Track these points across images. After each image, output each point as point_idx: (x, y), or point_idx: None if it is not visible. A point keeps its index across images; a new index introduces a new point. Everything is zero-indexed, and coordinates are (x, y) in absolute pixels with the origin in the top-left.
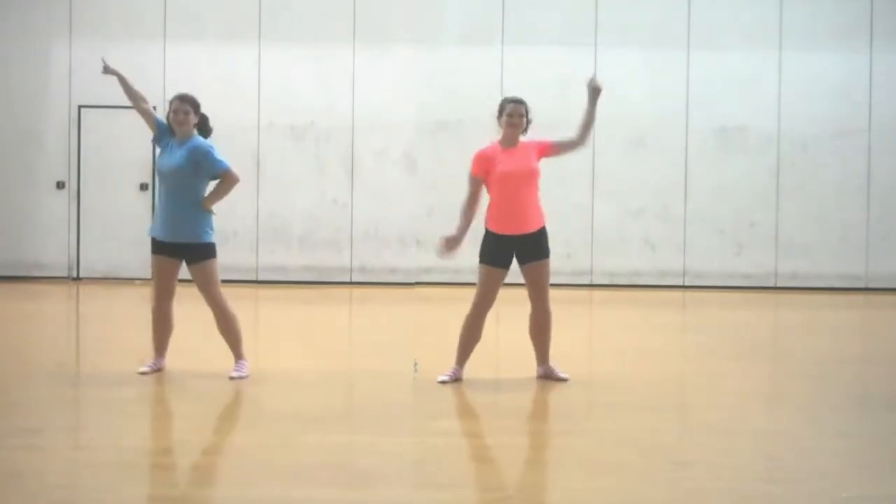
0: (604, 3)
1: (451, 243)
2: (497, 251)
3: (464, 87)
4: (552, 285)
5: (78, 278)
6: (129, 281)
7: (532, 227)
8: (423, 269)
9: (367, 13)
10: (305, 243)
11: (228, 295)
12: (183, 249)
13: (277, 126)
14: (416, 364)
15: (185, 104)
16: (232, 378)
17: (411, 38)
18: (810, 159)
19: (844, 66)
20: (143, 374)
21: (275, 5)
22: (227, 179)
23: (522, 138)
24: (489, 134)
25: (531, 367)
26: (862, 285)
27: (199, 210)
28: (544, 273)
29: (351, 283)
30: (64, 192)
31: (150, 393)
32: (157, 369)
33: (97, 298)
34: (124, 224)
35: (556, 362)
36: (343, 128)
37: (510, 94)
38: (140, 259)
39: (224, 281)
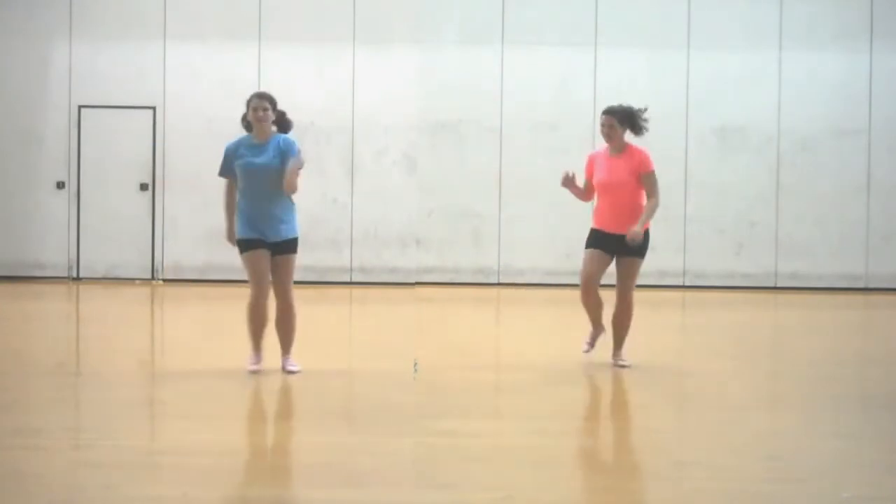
0: (604, 3)
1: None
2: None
3: (464, 87)
4: (554, 285)
5: (78, 278)
6: (129, 281)
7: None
8: (423, 269)
9: (367, 13)
10: (305, 243)
11: (228, 295)
12: (276, 245)
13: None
14: (415, 364)
15: (264, 101)
16: (290, 372)
17: (411, 38)
18: (810, 159)
19: (844, 66)
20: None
21: (275, 5)
22: (297, 161)
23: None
24: (489, 134)
25: (531, 368)
26: (862, 285)
27: (291, 206)
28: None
29: (351, 283)
30: (64, 192)
31: (150, 393)
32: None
33: (97, 298)
34: (124, 224)
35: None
36: (343, 128)
37: (510, 94)
38: (140, 259)
39: (224, 281)
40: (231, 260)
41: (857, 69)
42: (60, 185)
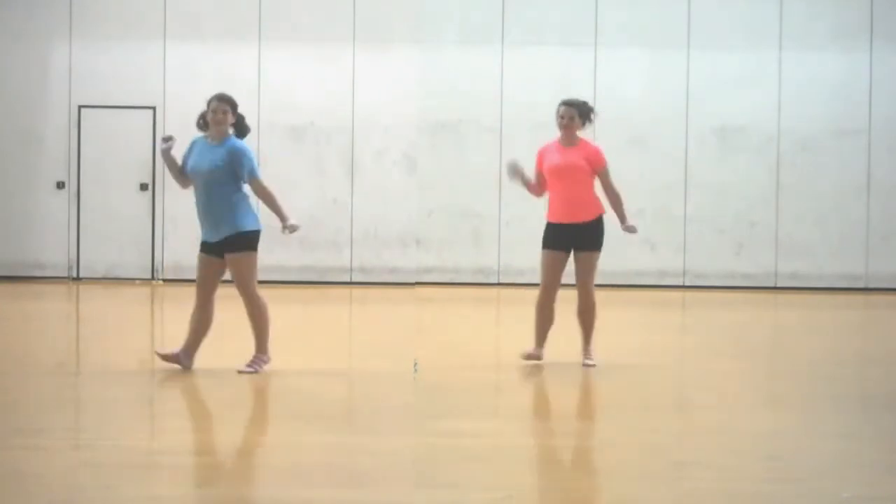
0: (604, 3)
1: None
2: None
3: (464, 87)
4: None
5: (78, 278)
6: (129, 281)
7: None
8: (423, 269)
9: (367, 13)
10: (305, 243)
11: (228, 295)
12: (224, 244)
13: (277, 126)
14: (415, 364)
15: (224, 104)
16: (241, 371)
17: (411, 38)
18: (810, 159)
19: (844, 66)
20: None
21: (275, 5)
22: (254, 188)
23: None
24: (489, 134)
25: (531, 368)
26: (862, 285)
27: (234, 206)
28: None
29: (351, 283)
30: (64, 192)
31: (150, 393)
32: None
33: (97, 298)
34: (124, 224)
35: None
36: (343, 128)
37: (510, 94)
38: (140, 259)
39: (224, 281)
40: None
41: (857, 69)
42: (60, 185)
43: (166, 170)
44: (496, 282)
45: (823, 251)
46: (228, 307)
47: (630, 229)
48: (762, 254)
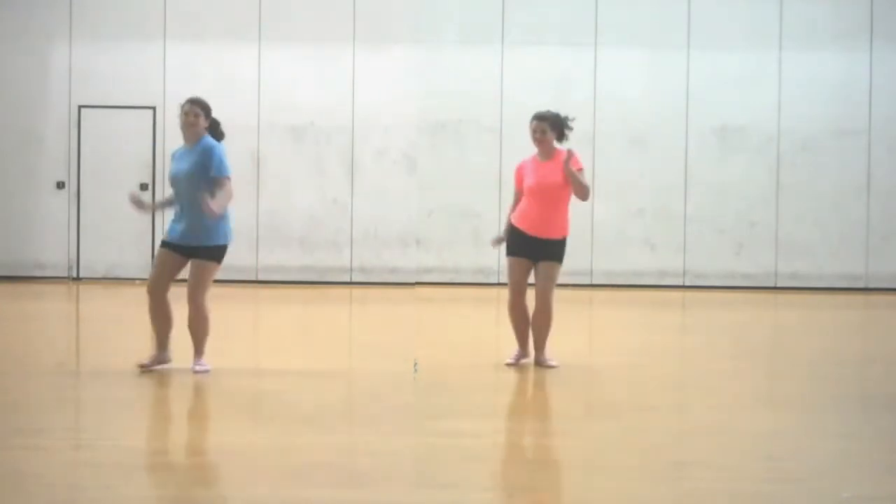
0: (604, 3)
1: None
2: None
3: (464, 87)
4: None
5: (78, 278)
6: (130, 281)
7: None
8: (423, 269)
9: (367, 13)
10: (305, 243)
11: (227, 295)
12: (194, 250)
13: (277, 126)
14: (415, 364)
15: (196, 107)
16: (196, 371)
17: (411, 38)
18: (810, 159)
19: (844, 66)
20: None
21: (275, 5)
22: (221, 186)
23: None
24: (489, 134)
25: (531, 368)
26: (862, 285)
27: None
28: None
29: (351, 283)
30: (64, 192)
31: (150, 393)
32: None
33: (97, 298)
34: (124, 224)
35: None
36: (343, 128)
37: (510, 94)
38: (140, 259)
39: (224, 281)
40: (230, 260)
41: (857, 69)
42: (60, 185)
43: (166, 170)
44: (496, 282)
45: (823, 251)
46: (229, 307)
47: (572, 161)
48: (762, 254)
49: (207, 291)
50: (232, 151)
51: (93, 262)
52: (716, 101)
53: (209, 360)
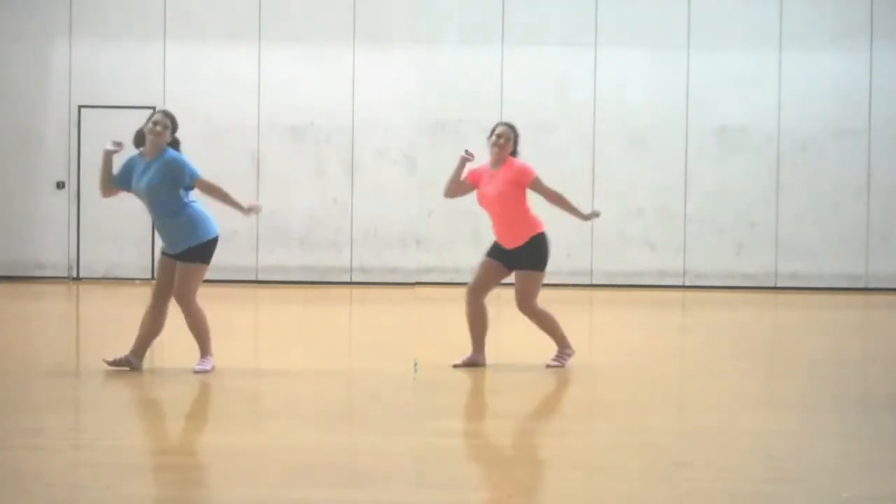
0: (604, 3)
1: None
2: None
3: (464, 87)
4: (553, 285)
5: (78, 278)
6: (130, 281)
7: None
8: (423, 269)
9: (367, 13)
10: (305, 243)
11: (226, 295)
12: (180, 255)
13: (277, 126)
14: (416, 364)
15: (167, 119)
16: (196, 371)
17: (411, 38)
18: (810, 159)
19: (844, 66)
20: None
21: (275, 5)
22: (201, 188)
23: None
24: (488, 134)
25: (531, 368)
26: (862, 285)
27: (186, 221)
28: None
29: (351, 283)
30: (64, 192)
31: (150, 393)
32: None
33: (97, 298)
34: (124, 224)
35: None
36: (343, 128)
37: (510, 94)
38: (140, 259)
39: (224, 281)
40: (230, 260)
41: (857, 69)
42: (60, 185)
43: None
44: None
45: (823, 251)
46: (229, 307)
47: (593, 215)
48: (762, 254)
49: (195, 293)
50: (232, 151)
51: (93, 262)
52: (716, 101)
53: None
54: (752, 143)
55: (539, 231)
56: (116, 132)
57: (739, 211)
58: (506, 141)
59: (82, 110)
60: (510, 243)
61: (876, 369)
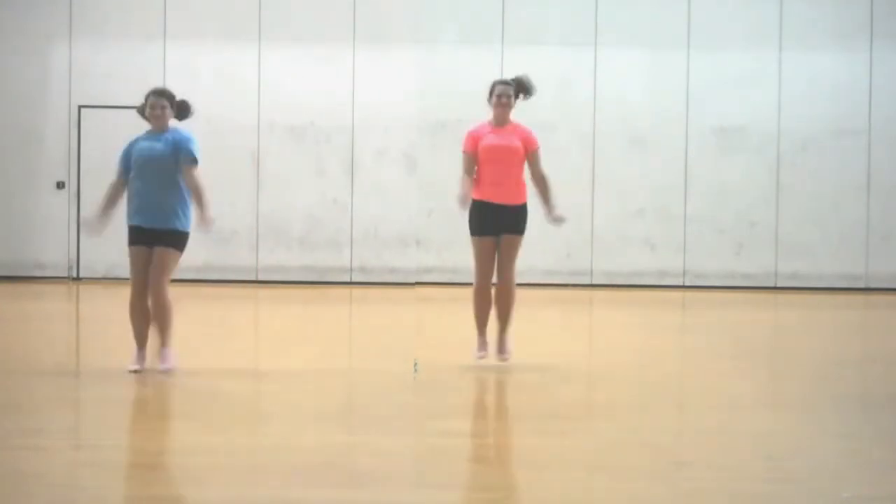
0: (604, 3)
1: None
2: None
3: (464, 87)
4: (553, 284)
5: (78, 278)
6: (129, 281)
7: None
8: (423, 269)
9: (367, 13)
10: (305, 243)
11: (227, 294)
12: (157, 236)
13: (277, 126)
14: (416, 364)
15: (162, 99)
16: (162, 371)
17: (411, 38)
18: (810, 159)
19: (844, 66)
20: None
21: (275, 5)
22: (189, 174)
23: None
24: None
25: (531, 367)
26: (862, 285)
27: (181, 197)
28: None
29: (351, 283)
30: (64, 192)
31: (150, 393)
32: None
33: (97, 298)
34: (124, 224)
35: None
36: (343, 128)
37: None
38: None
39: (224, 281)
40: (230, 259)
41: (857, 69)
42: (60, 185)
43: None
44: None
45: (823, 251)
46: (229, 307)
47: (559, 219)
48: (762, 254)
49: (169, 279)
50: (232, 151)
51: (93, 262)
52: (716, 101)
53: (206, 359)
54: (752, 143)
55: (526, 199)
56: (116, 132)
57: (739, 211)
58: (508, 99)
59: (82, 110)
60: (512, 199)
61: (876, 369)
